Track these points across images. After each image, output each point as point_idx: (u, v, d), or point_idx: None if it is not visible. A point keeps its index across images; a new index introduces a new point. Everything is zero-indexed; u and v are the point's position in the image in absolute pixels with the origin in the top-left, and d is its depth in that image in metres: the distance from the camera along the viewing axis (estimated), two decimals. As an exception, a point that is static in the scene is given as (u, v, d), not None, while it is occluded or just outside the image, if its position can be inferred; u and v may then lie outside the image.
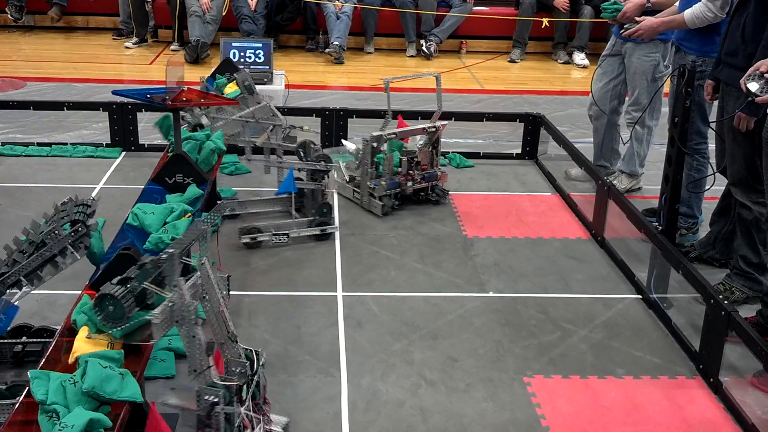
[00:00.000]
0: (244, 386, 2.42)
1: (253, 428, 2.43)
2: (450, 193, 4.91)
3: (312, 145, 4.43)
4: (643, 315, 3.70)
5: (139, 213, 3.20)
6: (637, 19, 4.57)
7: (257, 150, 4.51)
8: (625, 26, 4.62)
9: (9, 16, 9.06)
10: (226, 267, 3.90)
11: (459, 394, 3.07)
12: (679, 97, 3.63)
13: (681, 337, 3.46)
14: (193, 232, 2.49)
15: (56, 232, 2.74)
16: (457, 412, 2.96)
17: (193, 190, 3.58)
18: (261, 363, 2.54)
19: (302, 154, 4.41)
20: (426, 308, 3.66)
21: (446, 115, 5.80)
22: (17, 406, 2.18)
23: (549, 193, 5.10)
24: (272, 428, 2.62)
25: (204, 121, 4.08)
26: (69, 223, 2.83)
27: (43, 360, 2.35)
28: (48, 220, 2.92)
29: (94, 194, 4.65)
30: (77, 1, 9.25)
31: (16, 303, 2.71)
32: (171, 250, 2.29)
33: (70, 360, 2.27)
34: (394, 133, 4.71)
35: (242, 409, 2.39)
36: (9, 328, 2.99)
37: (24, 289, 2.73)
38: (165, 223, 3.22)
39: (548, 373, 3.22)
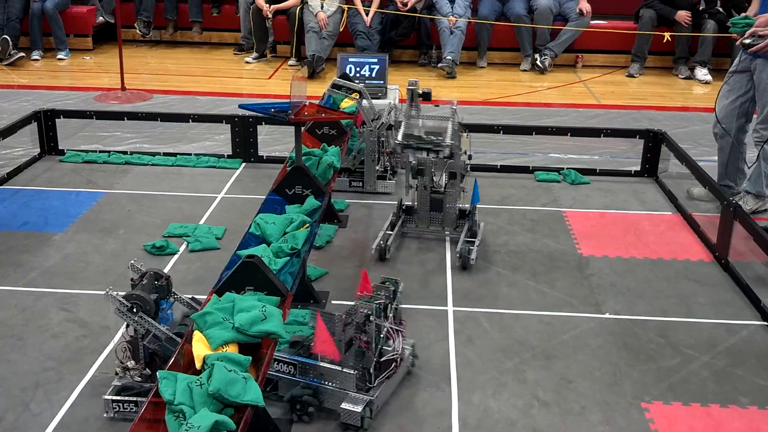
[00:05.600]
0: (389, 306, 2.97)
1: (393, 340, 3.00)
2: (565, 210, 4.87)
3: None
4: (770, 343, 3.53)
5: (261, 223, 3.31)
6: (761, 33, 4.37)
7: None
8: (750, 41, 4.43)
9: (137, 31, 9.58)
10: (343, 277, 3.98)
11: (573, 417, 3.00)
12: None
13: (812, 368, 3.28)
14: None
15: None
16: (571, 435, 2.90)
17: (311, 202, 3.68)
18: (400, 290, 3.06)
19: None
20: (539, 327, 3.61)
21: (561, 131, 5.75)
22: (146, 404, 2.28)
23: (670, 213, 4.93)
24: (404, 345, 3.12)
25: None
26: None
27: (171, 361, 2.45)
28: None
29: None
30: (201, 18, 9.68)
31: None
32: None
33: (197, 363, 2.37)
34: None
35: (387, 324, 2.95)
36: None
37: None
38: (285, 233, 3.32)
39: (667, 399, 3.11)
